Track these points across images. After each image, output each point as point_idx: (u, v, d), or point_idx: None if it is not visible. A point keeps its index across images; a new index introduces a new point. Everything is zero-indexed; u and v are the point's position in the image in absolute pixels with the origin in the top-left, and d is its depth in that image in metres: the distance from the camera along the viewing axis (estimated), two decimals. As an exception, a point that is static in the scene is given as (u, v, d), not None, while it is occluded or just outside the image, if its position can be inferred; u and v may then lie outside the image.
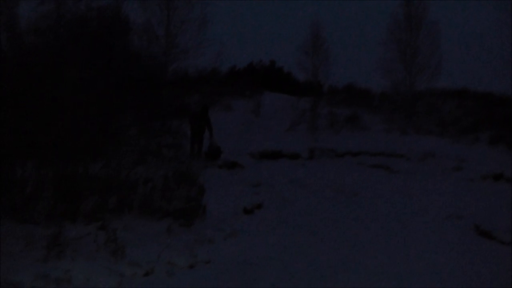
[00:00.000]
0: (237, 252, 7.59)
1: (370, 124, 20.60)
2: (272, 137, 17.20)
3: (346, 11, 55.26)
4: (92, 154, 7.96)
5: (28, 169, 7.18)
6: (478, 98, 23.43)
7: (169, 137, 11.77)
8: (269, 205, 10.63)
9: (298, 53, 25.09)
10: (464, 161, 15.28)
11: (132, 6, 16.86)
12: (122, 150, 8.79)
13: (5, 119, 7.16)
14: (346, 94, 25.07)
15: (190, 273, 6.50)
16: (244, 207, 10.06)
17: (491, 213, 10.48)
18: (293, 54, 26.59)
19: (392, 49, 23.27)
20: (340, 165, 15.47)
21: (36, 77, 7.56)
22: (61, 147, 7.26)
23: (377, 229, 9.48)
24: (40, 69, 7.74)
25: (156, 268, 6.30)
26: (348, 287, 6.35)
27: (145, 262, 6.29)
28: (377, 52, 28.95)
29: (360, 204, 11.34)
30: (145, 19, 19.39)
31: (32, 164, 7.22)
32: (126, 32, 11.72)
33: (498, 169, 14.42)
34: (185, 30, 19.97)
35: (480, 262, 7.77)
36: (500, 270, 7.50)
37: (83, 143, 7.69)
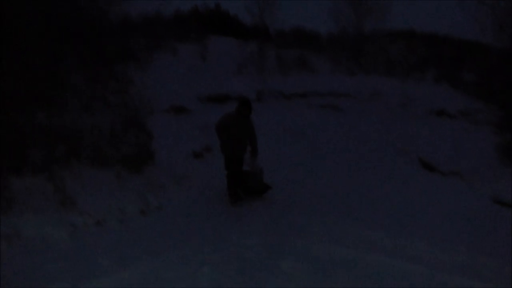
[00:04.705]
0: (189, 197, 7.60)
1: (318, 66, 20.60)
2: (219, 81, 16.98)
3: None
4: (36, 103, 7.66)
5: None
6: (424, 39, 23.76)
7: (115, 83, 11.39)
8: (219, 148, 10.63)
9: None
10: (410, 99, 15.56)
11: None
12: (67, 98, 8.50)
13: None
14: (293, 37, 24.91)
15: (142, 219, 6.49)
16: (194, 151, 10.02)
17: (433, 147, 11.00)
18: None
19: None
20: (289, 106, 15.51)
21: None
22: (3, 95, 6.96)
23: (329, 164, 9.86)
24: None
25: (108, 216, 6.26)
26: (306, 218, 6.57)
27: (96, 211, 6.24)
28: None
29: (309, 143, 11.52)
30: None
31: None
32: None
33: (441, 105, 14.87)
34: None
35: (422, 191, 8.67)
36: (438, 199, 8.30)
37: (27, 91, 7.38)
